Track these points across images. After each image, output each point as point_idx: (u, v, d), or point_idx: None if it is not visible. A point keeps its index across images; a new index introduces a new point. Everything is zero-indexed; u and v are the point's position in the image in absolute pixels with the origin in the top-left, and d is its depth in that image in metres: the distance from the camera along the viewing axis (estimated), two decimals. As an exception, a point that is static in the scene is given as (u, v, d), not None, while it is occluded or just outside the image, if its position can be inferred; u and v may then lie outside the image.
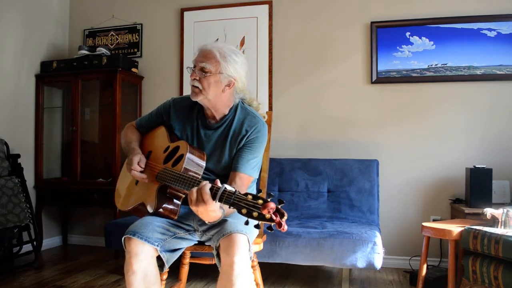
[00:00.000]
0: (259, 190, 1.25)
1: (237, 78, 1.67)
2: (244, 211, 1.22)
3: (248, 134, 1.68)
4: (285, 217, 1.19)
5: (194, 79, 1.63)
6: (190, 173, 1.57)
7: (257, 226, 1.22)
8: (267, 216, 1.18)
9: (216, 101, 1.68)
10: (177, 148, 1.67)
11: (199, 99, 1.66)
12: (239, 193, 1.26)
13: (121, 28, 3.92)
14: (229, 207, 1.28)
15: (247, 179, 1.65)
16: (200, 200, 1.33)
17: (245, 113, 1.73)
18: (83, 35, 4.04)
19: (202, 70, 1.63)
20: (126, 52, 3.89)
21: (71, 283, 2.77)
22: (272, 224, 1.19)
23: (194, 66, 1.65)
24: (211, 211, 1.35)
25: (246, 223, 1.23)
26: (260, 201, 1.20)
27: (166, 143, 1.75)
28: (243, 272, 1.43)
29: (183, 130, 1.78)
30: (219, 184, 1.32)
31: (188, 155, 1.60)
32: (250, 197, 1.23)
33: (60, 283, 2.77)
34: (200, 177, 1.58)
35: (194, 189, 1.36)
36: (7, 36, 3.42)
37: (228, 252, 1.45)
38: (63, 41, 4.03)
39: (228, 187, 1.29)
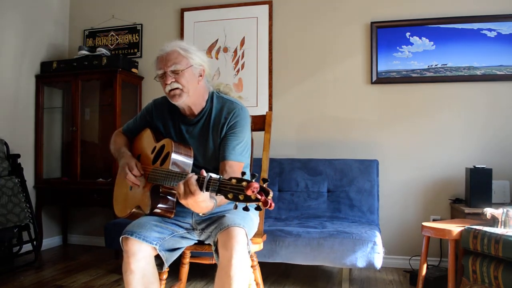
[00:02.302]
0: (243, 173, 1.25)
1: (204, 64, 1.70)
2: (230, 196, 1.22)
3: (228, 121, 1.68)
4: (271, 195, 1.19)
5: (171, 82, 1.63)
6: (179, 168, 1.58)
7: (245, 209, 1.21)
8: (252, 196, 1.18)
9: (195, 95, 1.69)
10: (163, 147, 1.68)
11: (183, 99, 1.65)
12: (224, 178, 1.26)
13: (121, 28, 3.93)
14: (216, 194, 1.28)
15: (238, 165, 1.65)
16: (188, 192, 1.32)
17: (222, 101, 1.74)
18: (83, 35, 4.04)
19: (174, 72, 1.63)
20: (126, 52, 3.90)
21: (71, 283, 2.77)
22: (259, 203, 1.19)
23: (164, 73, 1.64)
24: (201, 201, 1.34)
25: (235, 207, 1.23)
26: (244, 183, 1.20)
27: (152, 143, 1.76)
28: (241, 266, 1.42)
29: (166, 130, 1.79)
30: (204, 173, 1.31)
31: (174, 152, 1.60)
32: (234, 181, 1.23)
33: (60, 283, 2.77)
34: (189, 171, 1.59)
35: (181, 183, 1.35)
36: (7, 36, 3.43)
37: (226, 246, 1.44)
38: (63, 41, 4.04)
39: (214, 175, 1.29)
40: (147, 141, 1.80)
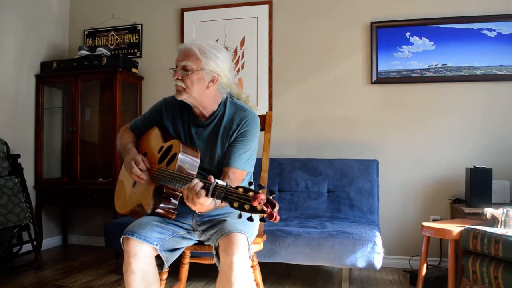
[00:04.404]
0: (250, 183, 1.25)
1: (220, 73, 1.67)
2: (236, 204, 1.23)
3: (239, 128, 1.67)
4: (277, 208, 1.19)
5: (177, 78, 1.64)
6: (185, 171, 1.57)
7: (250, 219, 1.21)
8: (258, 207, 1.18)
9: (202, 98, 1.67)
10: (170, 147, 1.67)
11: (184, 97, 1.66)
12: (230, 186, 1.26)
13: (121, 28, 3.93)
14: (221, 202, 1.29)
15: (240, 173, 1.65)
16: (191, 198, 1.34)
17: (234, 108, 1.72)
18: (83, 35, 4.04)
19: (184, 68, 1.63)
20: (126, 52, 3.90)
21: (71, 283, 2.77)
22: (265, 215, 1.19)
23: (176, 66, 1.65)
24: (203, 205, 1.35)
25: (239, 216, 1.23)
26: (251, 193, 1.20)
27: (160, 143, 1.75)
28: (242, 272, 1.43)
29: (175, 129, 1.78)
30: (212, 179, 1.32)
31: (181, 153, 1.59)
32: (241, 190, 1.23)
33: (60, 283, 2.77)
34: (195, 174, 1.59)
35: (185, 187, 1.37)
36: (7, 37, 3.43)
37: (227, 251, 1.44)
38: (63, 41, 4.04)
39: (220, 182, 1.30)
40: (155, 140, 1.79)
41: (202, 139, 1.72)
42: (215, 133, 1.71)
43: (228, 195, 1.26)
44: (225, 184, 1.28)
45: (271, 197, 1.20)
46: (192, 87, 1.63)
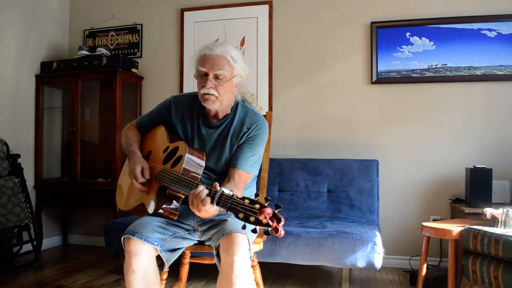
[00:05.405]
0: (256, 195, 1.25)
1: (244, 77, 1.69)
2: (241, 215, 1.22)
3: (249, 132, 1.68)
4: (282, 222, 1.19)
5: (210, 87, 1.60)
6: (189, 174, 1.57)
7: (254, 231, 1.21)
8: (264, 221, 1.18)
9: (226, 103, 1.68)
10: (176, 149, 1.66)
11: (215, 106, 1.64)
12: (237, 197, 1.26)
13: (121, 28, 3.93)
14: (226, 211, 1.29)
15: (246, 176, 1.66)
16: (197, 204, 1.34)
17: (245, 111, 1.73)
18: (83, 35, 4.04)
19: (217, 77, 1.61)
20: (126, 52, 3.89)
21: (71, 283, 2.77)
22: (269, 229, 1.19)
23: (206, 74, 1.62)
24: (210, 212, 1.35)
25: (243, 227, 1.23)
26: (257, 206, 1.20)
27: (165, 143, 1.74)
28: (243, 272, 1.43)
29: (184, 128, 1.77)
30: (217, 187, 1.32)
31: (187, 156, 1.59)
32: (247, 201, 1.23)
33: (60, 283, 2.77)
34: (199, 178, 1.59)
35: (191, 193, 1.37)
36: (7, 36, 3.43)
37: (228, 251, 1.45)
38: (63, 41, 4.03)
39: (226, 191, 1.29)
40: (160, 139, 1.78)
41: (211, 139, 1.73)
42: (225, 135, 1.71)
43: (233, 205, 1.25)
44: (231, 193, 1.28)
45: (277, 211, 1.19)
46: (225, 95, 1.63)
